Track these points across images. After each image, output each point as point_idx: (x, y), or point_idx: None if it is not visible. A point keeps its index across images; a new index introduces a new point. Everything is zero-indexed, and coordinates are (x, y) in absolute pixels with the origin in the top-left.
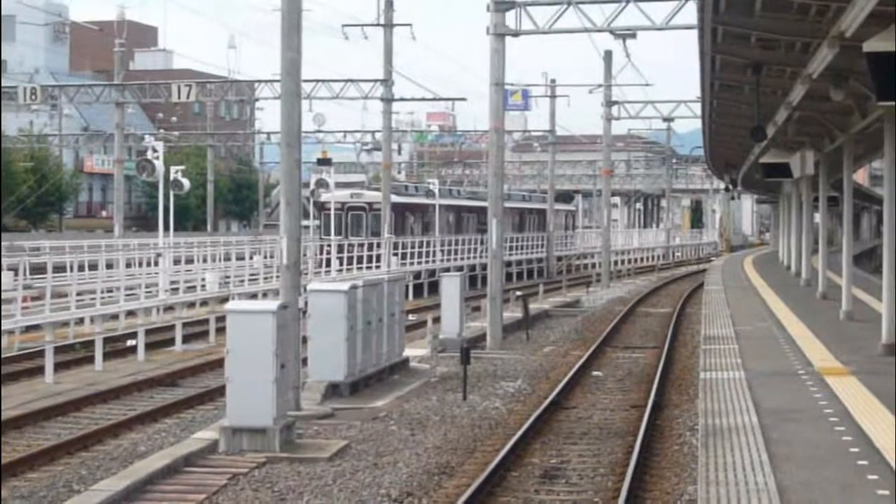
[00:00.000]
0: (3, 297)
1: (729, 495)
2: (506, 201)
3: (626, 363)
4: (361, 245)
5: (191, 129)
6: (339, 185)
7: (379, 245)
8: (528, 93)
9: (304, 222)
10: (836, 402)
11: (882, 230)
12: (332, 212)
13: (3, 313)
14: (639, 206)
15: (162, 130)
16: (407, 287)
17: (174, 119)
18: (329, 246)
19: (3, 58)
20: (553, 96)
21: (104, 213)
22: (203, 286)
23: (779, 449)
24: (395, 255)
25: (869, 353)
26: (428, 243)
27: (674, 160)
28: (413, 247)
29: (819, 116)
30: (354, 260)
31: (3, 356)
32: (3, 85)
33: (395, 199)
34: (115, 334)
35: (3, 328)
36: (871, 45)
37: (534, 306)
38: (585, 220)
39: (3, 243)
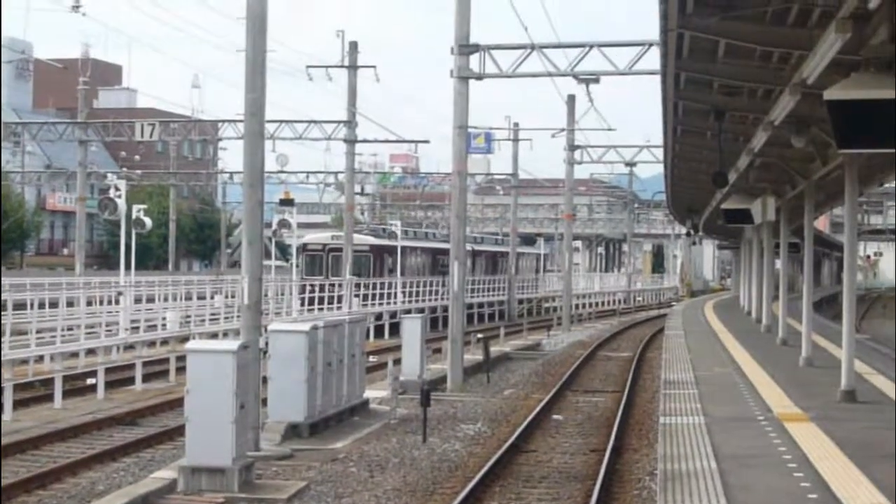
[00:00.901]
0: None
1: None
2: (479, 244)
3: (586, 407)
4: (333, 286)
5: (154, 167)
6: (308, 227)
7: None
8: (492, 136)
9: (267, 262)
10: (794, 448)
11: (842, 277)
12: (315, 253)
13: None
14: (600, 250)
15: (125, 169)
16: (368, 328)
17: (137, 158)
18: (299, 285)
19: None
20: (516, 140)
21: (66, 251)
22: (164, 325)
23: (738, 494)
24: (357, 296)
25: (828, 399)
26: (390, 284)
27: (636, 205)
28: (375, 288)
29: (781, 163)
30: (326, 300)
31: None
32: None
33: (374, 241)
34: (75, 372)
35: None
36: (831, 94)
37: (495, 349)
38: (547, 264)
39: None
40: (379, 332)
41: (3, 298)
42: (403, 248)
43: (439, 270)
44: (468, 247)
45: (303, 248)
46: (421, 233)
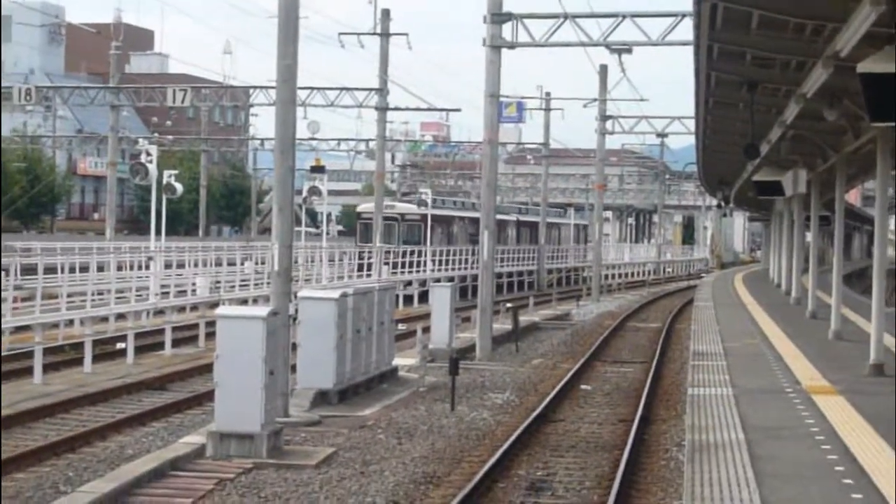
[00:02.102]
0: None
1: None
2: (524, 215)
3: (614, 377)
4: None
5: (185, 133)
6: (338, 195)
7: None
8: (523, 105)
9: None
10: (822, 421)
11: (872, 251)
12: (368, 221)
13: None
14: (631, 221)
15: (156, 134)
16: (397, 296)
17: (168, 123)
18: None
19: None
20: (547, 109)
21: (96, 216)
22: (194, 291)
23: (764, 466)
24: (387, 264)
25: (857, 372)
26: (420, 253)
27: (667, 176)
28: (404, 256)
29: (812, 136)
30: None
31: None
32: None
33: (424, 210)
34: (105, 337)
35: None
36: (865, 66)
37: (524, 318)
38: (588, 234)
39: None
40: (409, 300)
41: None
42: (452, 217)
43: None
44: (513, 217)
45: (358, 216)
46: (469, 202)
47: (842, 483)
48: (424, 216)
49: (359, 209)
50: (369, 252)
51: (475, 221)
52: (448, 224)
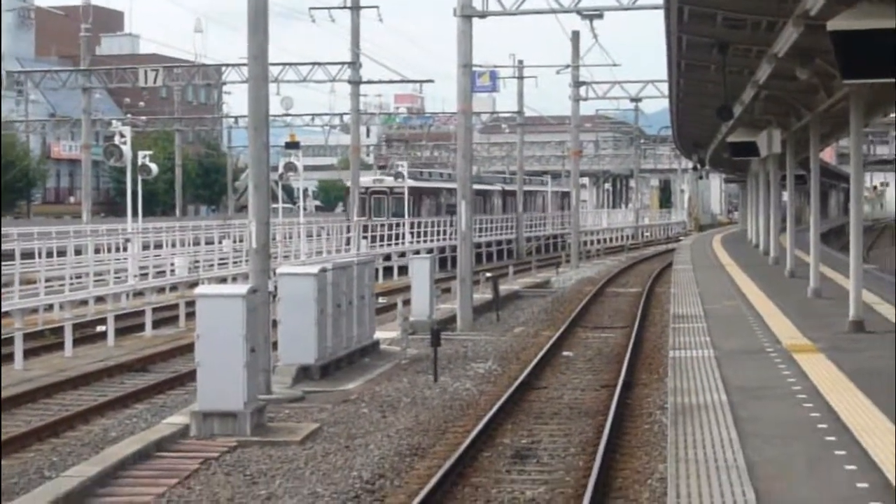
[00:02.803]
0: None
1: (699, 472)
2: (511, 185)
3: (596, 343)
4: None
5: (158, 113)
6: (315, 170)
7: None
8: (497, 74)
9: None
10: (804, 379)
11: (849, 208)
12: (361, 196)
13: None
14: (607, 186)
15: (129, 115)
16: (377, 269)
17: (141, 104)
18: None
19: None
20: (521, 77)
21: (72, 199)
22: (172, 271)
23: (747, 426)
24: (365, 238)
25: (836, 329)
26: (399, 225)
27: (642, 140)
28: (383, 229)
29: (785, 95)
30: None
31: None
32: None
33: (412, 183)
34: (85, 320)
35: None
36: (835, 24)
37: (504, 287)
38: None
39: None
40: (389, 273)
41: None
42: (440, 189)
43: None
44: (498, 187)
45: (346, 191)
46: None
47: (825, 440)
48: (413, 188)
49: (349, 184)
50: (361, 225)
51: (452, 192)
52: (437, 196)
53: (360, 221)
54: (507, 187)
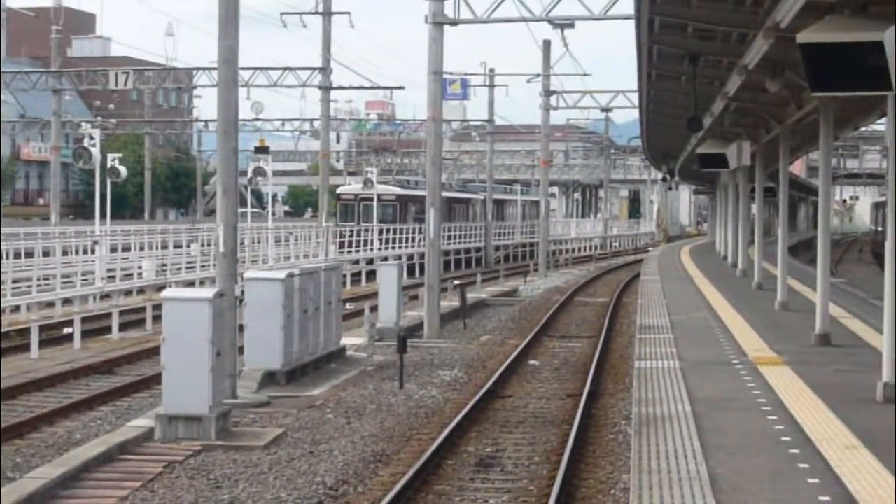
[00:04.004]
0: None
1: (661, 483)
2: (501, 194)
3: (562, 352)
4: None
5: (128, 116)
6: (284, 175)
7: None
8: (467, 82)
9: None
10: (769, 391)
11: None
12: (347, 202)
13: None
14: (577, 196)
15: (99, 118)
16: (345, 275)
17: (111, 106)
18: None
19: None
20: (491, 86)
21: (41, 201)
22: (140, 274)
23: (711, 437)
24: (334, 244)
25: (803, 342)
26: (367, 231)
27: (612, 150)
28: (354, 235)
29: (755, 107)
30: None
31: None
32: None
33: (399, 191)
34: (51, 322)
35: None
36: (804, 37)
37: (471, 295)
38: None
39: None
40: (357, 280)
41: None
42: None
43: (452, 217)
44: (481, 196)
45: (337, 197)
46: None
47: (788, 453)
48: (400, 196)
49: (338, 191)
50: (350, 231)
51: (448, 201)
52: (421, 203)
53: (328, 227)
54: (499, 196)
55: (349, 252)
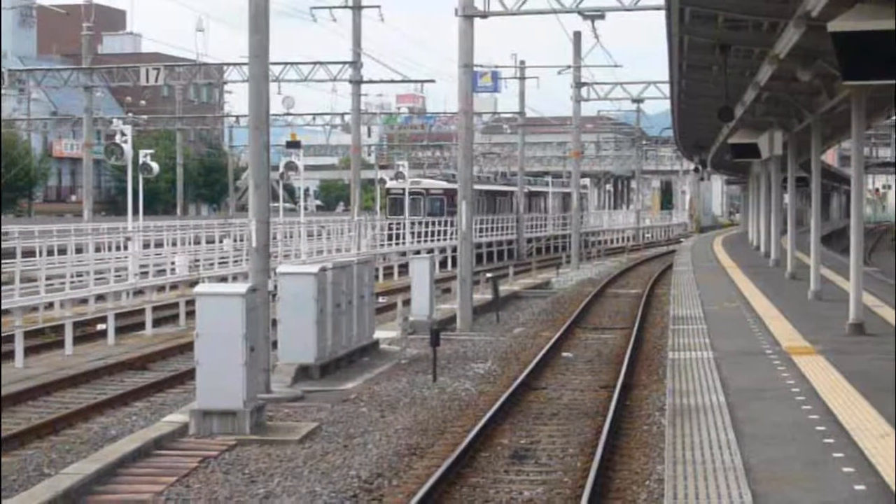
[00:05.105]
0: None
1: (696, 474)
2: (533, 185)
3: (595, 344)
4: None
5: (160, 112)
6: (315, 169)
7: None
8: (498, 74)
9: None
10: (802, 381)
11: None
12: (396, 196)
13: None
14: (609, 187)
15: (130, 114)
16: (377, 269)
17: (143, 103)
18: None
19: None
20: (522, 78)
21: (73, 198)
22: (173, 270)
23: (745, 427)
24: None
25: (836, 332)
26: (401, 225)
27: (643, 141)
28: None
29: (787, 97)
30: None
31: None
32: None
33: (446, 185)
34: (85, 318)
35: None
36: (836, 25)
37: (504, 288)
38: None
39: None
40: (389, 273)
41: (13, 246)
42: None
43: (497, 210)
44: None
45: (386, 192)
46: (484, 177)
47: (822, 443)
48: (447, 190)
49: (387, 186)
50: (398, 224)
51: (493, 194)
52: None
53: (362, 220)
54: (533, 188)
55: (396, 244)
